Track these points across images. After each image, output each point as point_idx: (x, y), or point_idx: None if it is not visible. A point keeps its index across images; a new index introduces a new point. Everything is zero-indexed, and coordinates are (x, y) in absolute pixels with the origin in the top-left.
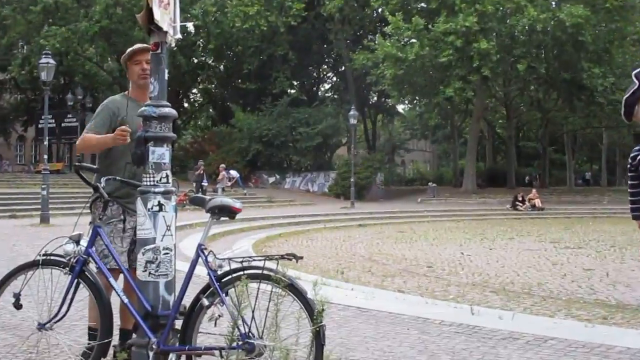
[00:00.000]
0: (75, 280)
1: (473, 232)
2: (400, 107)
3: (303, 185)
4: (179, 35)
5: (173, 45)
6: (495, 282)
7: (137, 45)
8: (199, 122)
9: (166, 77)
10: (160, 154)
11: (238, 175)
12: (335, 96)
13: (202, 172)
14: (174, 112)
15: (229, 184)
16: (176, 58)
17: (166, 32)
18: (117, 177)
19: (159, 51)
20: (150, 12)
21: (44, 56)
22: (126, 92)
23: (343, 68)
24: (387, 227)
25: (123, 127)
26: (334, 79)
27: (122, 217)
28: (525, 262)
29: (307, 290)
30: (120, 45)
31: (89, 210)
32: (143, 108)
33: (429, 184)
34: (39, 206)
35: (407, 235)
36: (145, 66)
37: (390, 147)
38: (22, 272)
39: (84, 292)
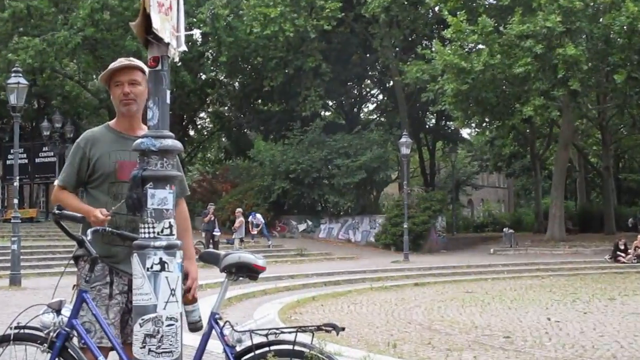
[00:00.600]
0: None
1: (562, 291)
2: (465, 132)
3: (342, 234)
4: (183, 47)
5: (176, 59)
6: (592, 355)
7: (118, 62)
8: (209, 155)
9: (168, 100)
10: (162, 198)
11: (263, 221)
12: (382, 119)
13: (212, 218)
14: (178, 144)
15: (255, 231)
16: (179, 74)
17: (168, 44)
18: (108, 228)
19: (158, 68)
20: (147, 19)
21: (13, 74)
22: (109, 123)
23: (391, 83)
24: (450, 286)
25: (100, 212)
26: (380, 97)
27: (107, 279)
28: (632, 330)
29: None
30: (108, 58)
31: (71, 270)
32: (139, 140)
33: (505, 229)
34: (8, 264)
35: (477, 296)
36: (127, 89)
37: (454, 183)
38: None
39: None
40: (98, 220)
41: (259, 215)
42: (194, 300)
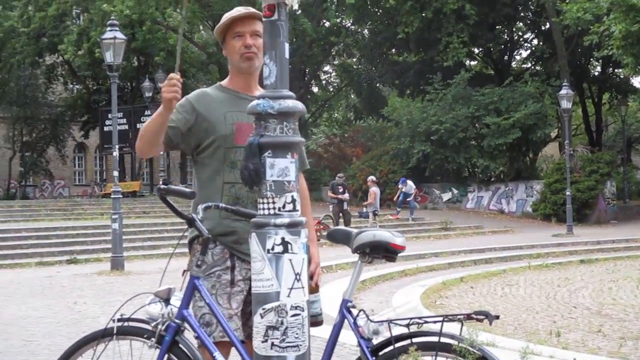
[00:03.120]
0: (166, 357)
1: None
2: (637, 81)
3: (494, 204)
4: None
5: (295, 6)
6: None
7: (237, 11)
8: (336, 115)
9: (287, 55)
10: (283, 168)
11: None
12: (538, 68)
13: (341, 189)
14: (300, 105)
15: (412, 195)
16: (298, 22)
17: None
18: (221, 204)
19: (275, 17)
20: None
21: (108, 28)
22: (220, 83)
23: (548, 25)
24: (623, 263)
25: (172, 75)
26: (535, 42)
27: (228, 263)
28: None
29: None
30: (217, 6)
31: (181, 251)
32: (255, 102)
33: None
34: (109, 245)
35: None
36: (249, 41)
37: (625, 141)
38: (89, 345)
39: None
40: (168, 86)
41: (410, 183)
42: (316, 289)
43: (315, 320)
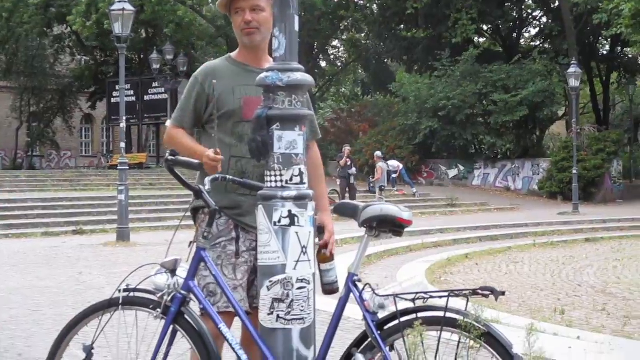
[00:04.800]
0: (171, 327)
1: None
2: None
3: (500, 181)
4: None
5: None
6: None
7: None
8: (344, 90)
9: (297, 27)
10: (291, 141)
11: (401, 166)
12: (547, 46)
13: (349, 162)
14: (309, 78)
15: (395, 175)
16: None
17: None
18: (229, 177)
19: None
20: None
21: (117, 0)
22: (230, 55)
23: (557, 3)
24: (629, 242)
25: (213, 153)
26: (544, 20)
27: (233, 234)
28: None
29: (512, 342)
30: None
31: (187, 223)
32: (264, 74)
33: None
34: (115, 217)
35: None
36: (248, 17)
37: (632, 120)
38: (95, 316)
39: (183, 345)
40: (210, 161)
41: (392, 162)
42: (331, 257)
43: (332, 288)
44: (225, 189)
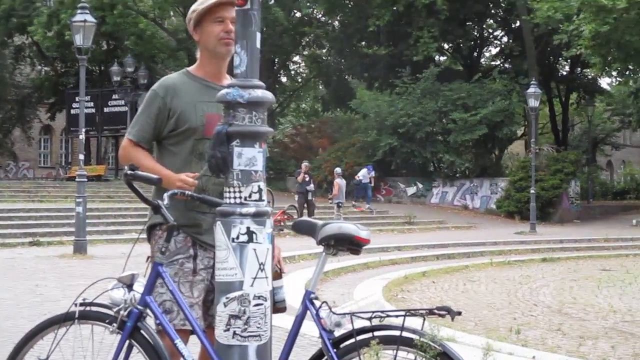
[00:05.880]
0: (127, 342)
1: None
2: (604, 82)
3: (458, 199)
4: None
5: None
6: None
7: None
8: (304, 105)
9: (258, 44)
10: (251, 157)
11: (373, 173)
12: (507, 66)
13: (307, 178)
14: (270, 95)
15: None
16: (270, 11)
17: None
18: (187, 192)
19: (247, 6)
20: None
21: (79, 11)
22: (188, 69)
23: (518, 23)
24: (585, 262)
25: (186, 176)
26: (504, 39)
27: (191, 252)
28: None
29: None
30: None
31: (145, 237)
32: (225, 91)
33: None
34: (72, 229)
35: (617, 275)
36: (231, 27)
37: (590, 141)
38: (50, 329)
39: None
40: (187, 185)
41: (363, 171)
42: (280, 275)
43: (280, 307)
44: (184, 207)
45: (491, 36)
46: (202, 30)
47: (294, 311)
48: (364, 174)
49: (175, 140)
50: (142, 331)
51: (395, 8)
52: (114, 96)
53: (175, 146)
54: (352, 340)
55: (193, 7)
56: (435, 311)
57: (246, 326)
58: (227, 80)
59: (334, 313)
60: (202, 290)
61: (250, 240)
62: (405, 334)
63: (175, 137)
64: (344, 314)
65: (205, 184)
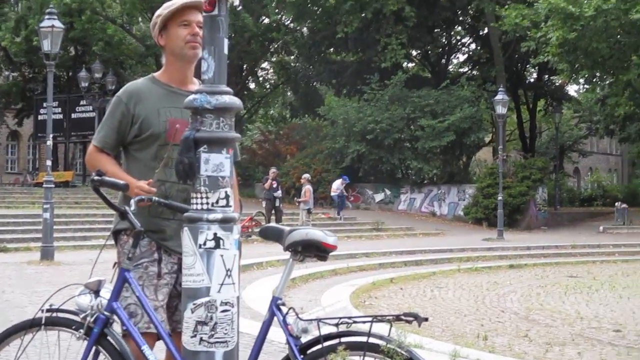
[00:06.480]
0: (94, 348)
1: None
2: (572, 89)
3: (426, 206)
4: None
5: (236, 2)
6: None
7: None
8: (272, 112)
9: (226, 50)
10: (218, 163)
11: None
12: (475, 73)
13: (275, 184)
14: (237, 101)
15: (338, 191)
16: (239, 17)
17: None
18: (154, 198)
19: (215, 12)
20: None
21: (47, 16)
22: (154, 75)
23: (486, 30)
24: (552, 269)
25: (145, 184)
26: (472, 46)
27: (155, 256)
28: None
29: None
30: None
31: (112, 243)
32: (192, 97)
33: (617, 204)
34: (39, 235)
35: (583, 281)
36: (197, 30)
37: (557, 148)
38: (17, 335)
39: None
40: (143, 193)
41: (338, 182)
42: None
43: None
44: (148, 213)
45: (459, 43)
46: (168, 34)
47: (261, 317)
48: (338, 185)
49: (139, 146)
50: (108, 337)
51: (363, 15)
52: (82, 102)
53: (139, 152)
54: (319, 347)
55: (158, 12)
56: (403, 317)
57: (213, 332)
58: (195, 85)
59: (301, 319)
60: (166, 294)
61: (217, 246)
62: (372, 340)
63: (139, 143)
64: (311, 320)
65: (169, 190)
